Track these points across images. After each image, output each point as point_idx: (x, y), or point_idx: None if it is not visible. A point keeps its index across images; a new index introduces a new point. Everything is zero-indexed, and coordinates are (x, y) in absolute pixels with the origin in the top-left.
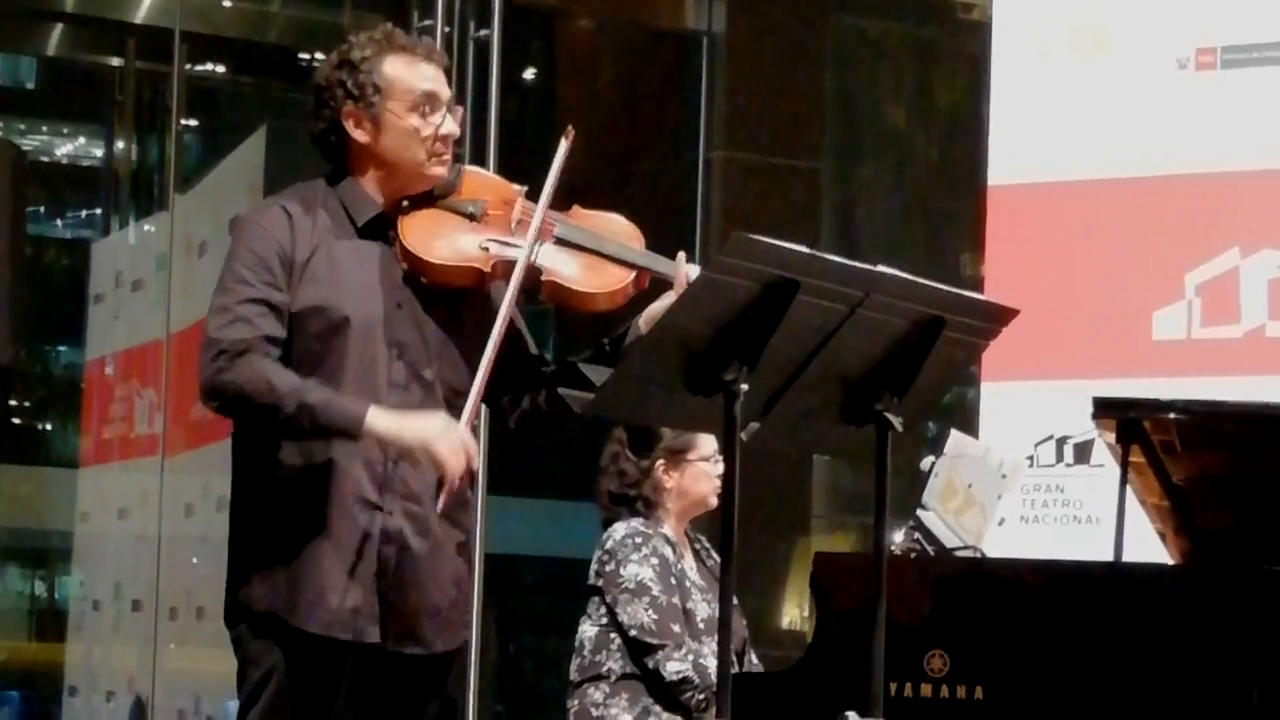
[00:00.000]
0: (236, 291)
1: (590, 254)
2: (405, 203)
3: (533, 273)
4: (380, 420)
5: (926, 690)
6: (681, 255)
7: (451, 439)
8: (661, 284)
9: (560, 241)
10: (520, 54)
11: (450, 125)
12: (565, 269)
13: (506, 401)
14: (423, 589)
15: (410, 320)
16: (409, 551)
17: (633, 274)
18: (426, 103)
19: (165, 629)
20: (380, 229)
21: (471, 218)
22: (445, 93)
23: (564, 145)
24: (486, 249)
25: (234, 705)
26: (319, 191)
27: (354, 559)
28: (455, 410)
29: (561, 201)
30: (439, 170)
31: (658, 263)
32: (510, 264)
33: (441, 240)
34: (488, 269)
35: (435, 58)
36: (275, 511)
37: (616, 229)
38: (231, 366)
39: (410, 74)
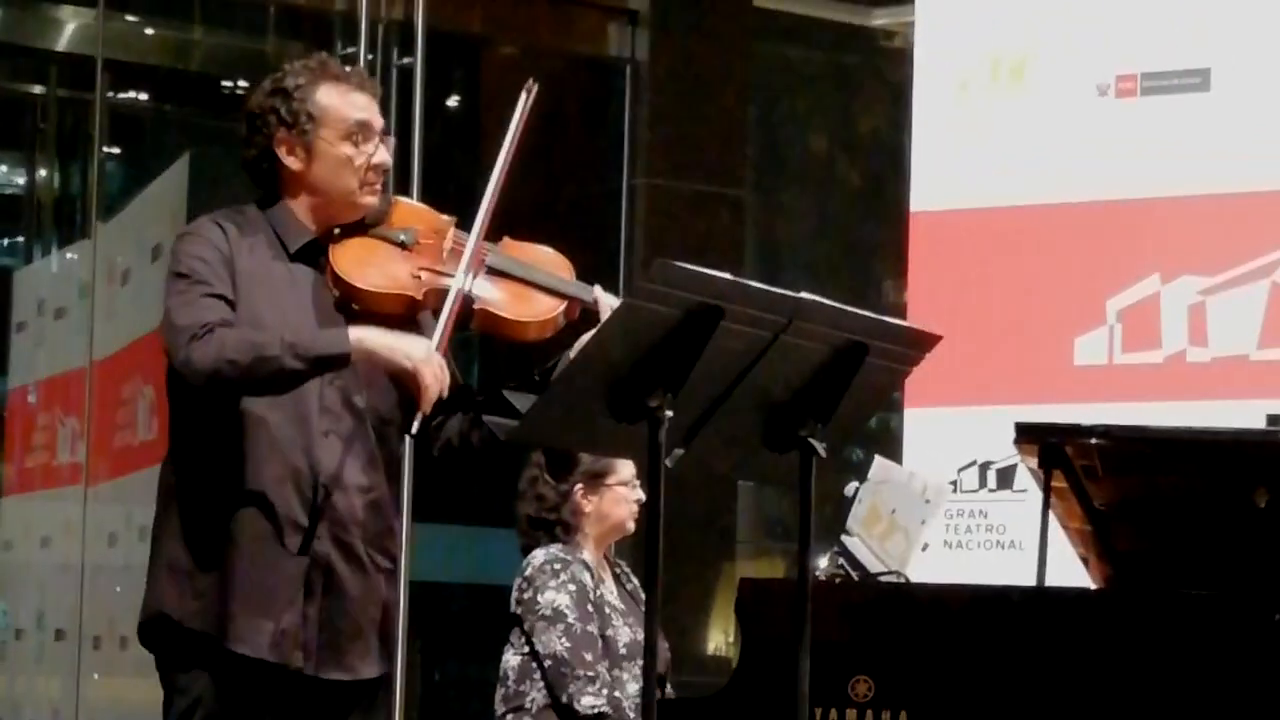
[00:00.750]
0: (191, 290)
1: (522, 283)
2: (337, 230)
3: (465, 301)
4: (369, 335)
5: (852, 716)
6: (597, 287)
7: (436, 363)
8: (594, 315)
9: (492, 271)
10: (443, 82)
11: (382, 155)
12: (497, 298)
13: (432, 429)
14: (350, 615)
15: None
16: (337, 577)
17: (563, 304)
18: (359, 132)
19: (89, 658)
20: (312, 255)
21: (403, 246)
22: (378, 122)
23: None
24: (419, 277)
25: None
26: (250, 215)
27: (282, 584)
28: (383, 436)
29: (492, 232)
30: (370, 200)
31: (588, 293)
32: (442, 292)
33: (373, 268)
34: (420, 296)
35: (368, 87)
36: (204, 533)
37: (547, 259)
38: (206, 341)
39: (343, 103)
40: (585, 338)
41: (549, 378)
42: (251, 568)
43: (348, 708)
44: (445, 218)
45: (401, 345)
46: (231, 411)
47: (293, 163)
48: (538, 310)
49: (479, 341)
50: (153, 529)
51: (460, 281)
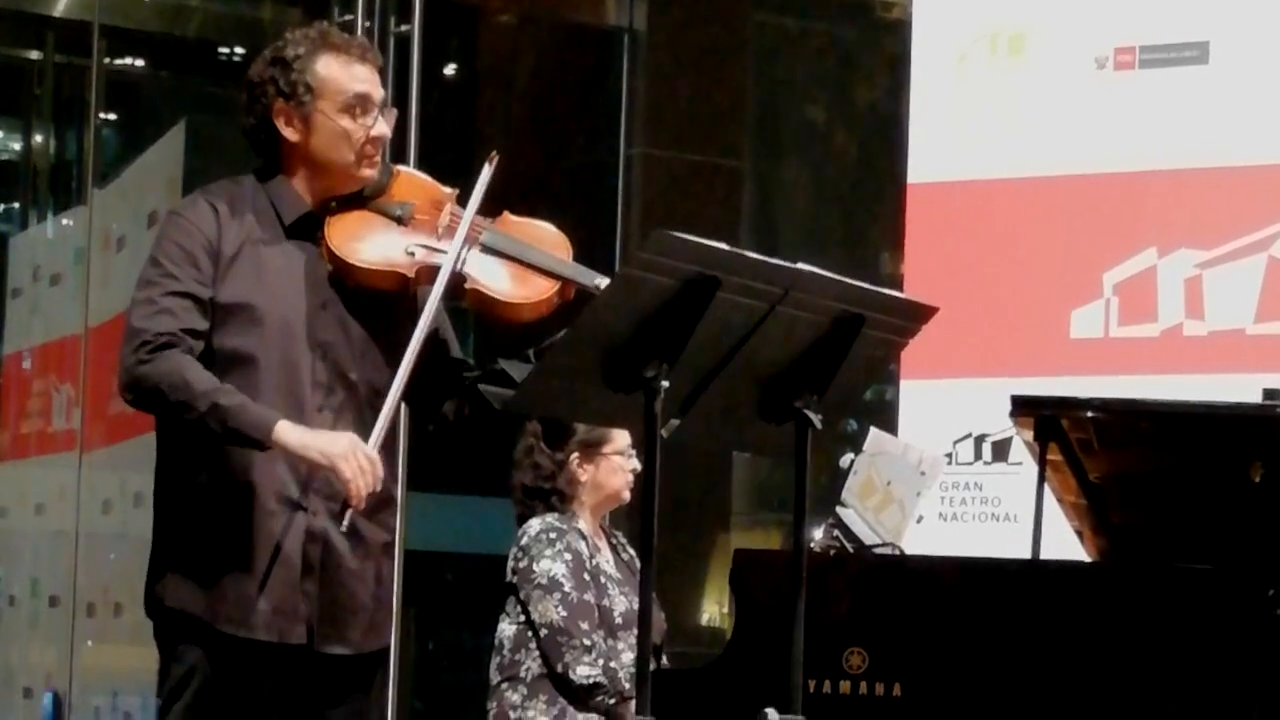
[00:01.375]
0: (160, 284)
1: (516, 263)
2: (334, 203)
3: (457, 280)
4: (289, 433)
5: (845, 687)
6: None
7: (356, 460)
8: (589, 297)
9: (486, 249)
10: (441, 50)
11: (381, 128)
12: (490, 278)
13: (426, 403)
14: (348, 588)
15: (335, 320)
16: (334, 551)
17: (557, 285)
18: (358, 104)
19: (82, 625)
20: (308, 228)
21: (399, 220)
22: (378, 94)
23: (488, 169)
24: (412, 254)
25: (152, 700)
26: (247, 188)
27: (277, 559)
28: (377, 410)
29: (492, 208)
30: (368, 172)
31: (584, 275)
32: (435, 270)
33: (366, 243)
34: (411, 274)
35: (370, 58)
36: (197, 511)
37: (544, 238)
38: (151, 360)
39: (343, 75)
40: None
41: (541, 357)
42: (245, 546)
43: (348, 681)
44: (447, 190)
45: (319, 443)
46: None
47: (290, 134)
48: (531, 292)
49: (474, 315)
50: (153, 507)
51: (451, 261)
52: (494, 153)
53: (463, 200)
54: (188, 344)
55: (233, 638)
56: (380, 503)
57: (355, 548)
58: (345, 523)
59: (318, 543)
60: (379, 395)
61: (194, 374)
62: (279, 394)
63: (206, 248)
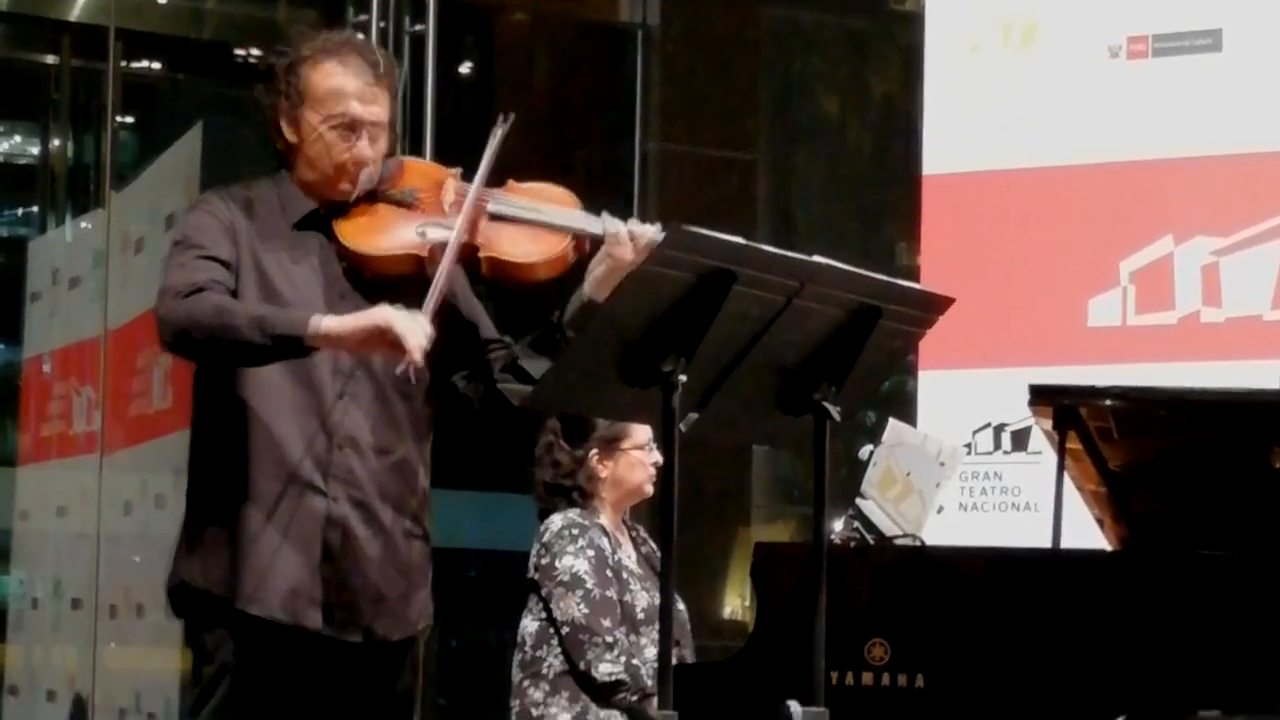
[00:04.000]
0: (188, 253)
1: (526, 225)
2: (338, 201)
3: (469, 251)
4: (329, 319)
5: (868, 679)
6: (605, 214)
7: (403, 315)
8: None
9: (495, 217)
10: (455, 49)
11: (362, 151)
12: (502, 243)
13: (457, 380)
14: (367, 576)
15: (353, 310)
16: (354, 538)
17: (570, 240)
18: (343, 124)
19: (105, 627)
20: (315, 225)
21: (406, 205)
22: (371, 115)
23: (500, 130)
24: (423, 234)
25: (175, 700)
26: (261, 188)
27: (298, 544)
28: (405, 394)
29: (497, 180)
30: (345, 187)
31: (592, 223)
32: (447, 246)
33: (378, 232)
34: (425, 254)
35: (378, 78)
36: (221, 493)
37: (551, 196)
38: (181, 302)
39: (334, 90)
40: (595, 271)
41: (564, 318)
42: (265, 531)
43: (372, 669)
44: (447, 170)
45: (358, 319)
46: (249, 378)
47: (288, 134)
48: (544, 249)
49: (488, 291)
50: (186, 500)
51: (458, 228)
52: (508, 114)
53: (467, 176)
54: (217, 291)
55: (254, 620)
56: (405, 493)
57: (375, 535)
58: (406, 369)
59: (337, 528)
60: (407, 381)
61: (229, 302)
62: (301, 382)
63: (227, 230)
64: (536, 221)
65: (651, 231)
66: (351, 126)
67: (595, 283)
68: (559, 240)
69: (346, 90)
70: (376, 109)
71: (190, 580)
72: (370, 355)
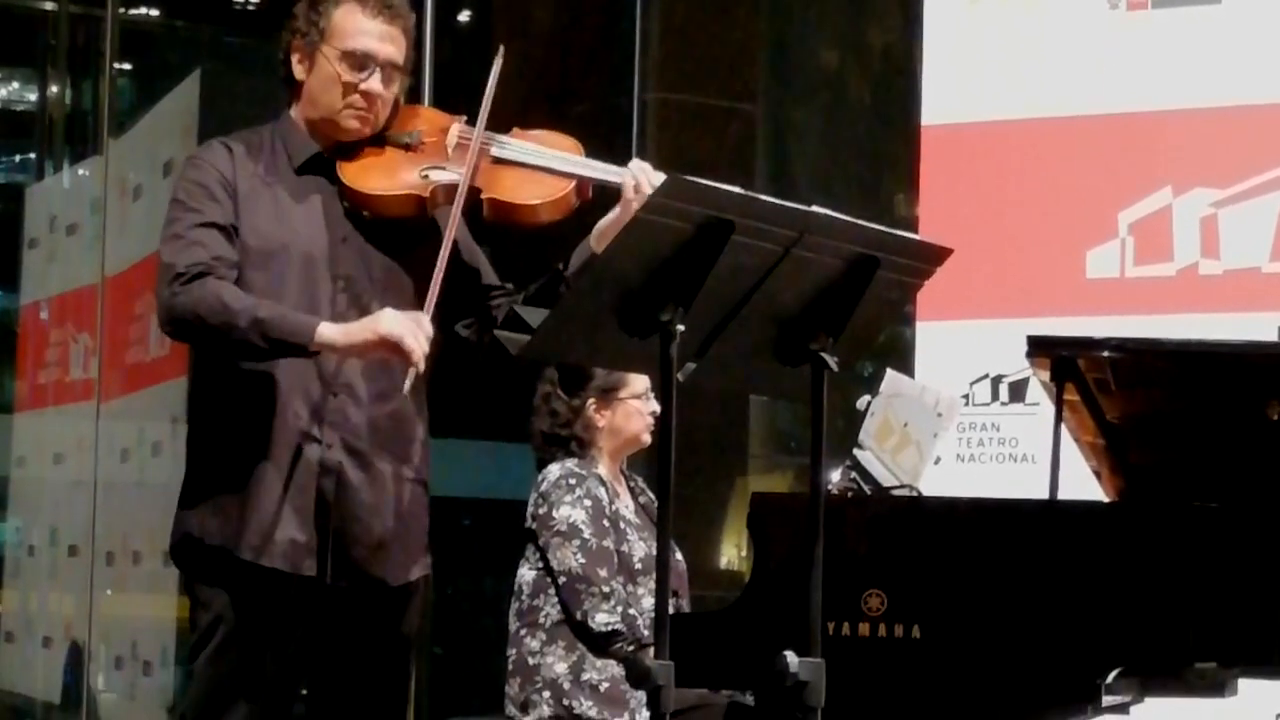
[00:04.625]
0: (185, 219)
1: (529, 168)
2: (342, 144)
3: (472, 193)
4: (329, 330)
5: (864, 629)
6: (635, 161)
7: (404, 324)
8: (610, 197)
9: (498, 160)
10: None
11: (374, 84)
12: (504, 185)
13: (459, 328)
14: (362, 522)
15: (355, 254)
16: (348, 484)
17: (573, 183)
18: (359, 58)
19: (102, 574)
20: (319, 169)
21: (408, 148)
22: (385, 53)
23: (496, 65)
24: (426, 176)
25: (171, 648)
26: (263, 133)
27: (292, 491)
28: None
29: (500, 126)
30: (352, 124)
31: (597, 170)
32: (450, 188)
33: (380, 173)
34: (427, 194)
35: (395, 19)
36: (219, 444)
37: (555, 141)
38: (187, 290)
39: (354, 25)
40: (602, 222)
41: (568, 266)
42: (264, 481)
43: (373, 614)
44: (452, 116)
45: (361, 328)
46: None
47: (299, 71)
48: (546, 191)
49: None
50: (185, 453)
51: (466, 173)
52: (501, 48)
53: (470, 121)
54: (220, 271)
55: (255, 569)
56: (402, 439)
57: (371, 482)
58: (408, 384)
59: (331, 475)
60: None
61: (230, 295)
62: None
63: (223, 183)
64: (541, 165)
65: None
66: (365, 62)
67: (600, 236)
68: (561, 184)
69: (365, 26)
70: (392, 48)
71: (194, 533)
72: (367, 302)
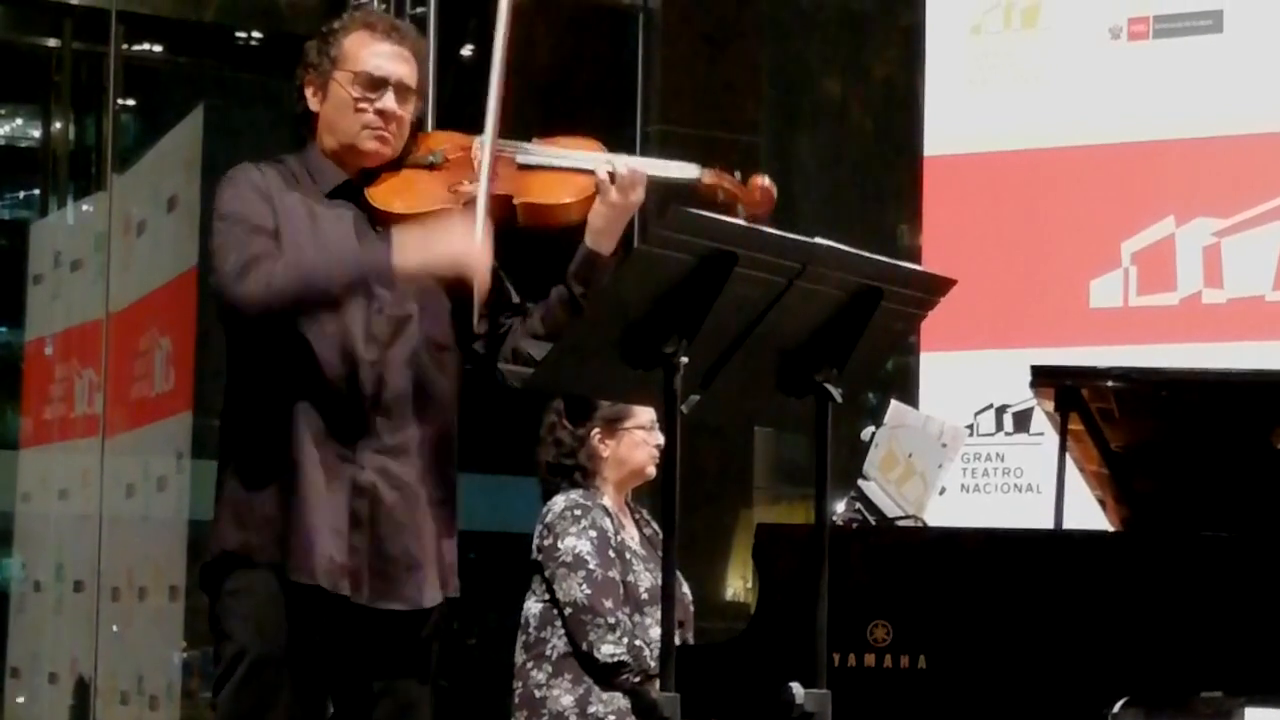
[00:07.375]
0: (233, 230)
1: (555, 171)
2: (367, 171)
3: (504, 201)
4: (408, 244)
5: (870, 660)
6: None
7: (479, 252)
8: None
9: (523, 167)
10: (458, 31)
11: (388, 103)
12: (535, 189)
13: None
14: (402, 545)
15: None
16: (384, 507)
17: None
18: (372, 81)
19: (107, 610)
20: (346, 196)
21: (433, 167)
22: (398, 75)
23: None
24: (456, 190)
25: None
26: (289, 162)
27: (330, 511)
28: (439, 364)
29: (520, 136)
30: (372, 145)
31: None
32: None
33: (409, 193)
34: (459, 208)
35: (405, 41)
36: (259, 470)
37: (576, 143)
38: (254, 276)
39: (365, 51)
40: (592, 222)
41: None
42: (300, 499)
43: (407, 636)
44: (470, 136)
45: (438, 251)
46: (281, 346)
47: (313, 103)
48: (576, 189)
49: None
50: (216, 475)
51: (484, 179)
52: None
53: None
54: (275, 257)
55: (289, 584)
56: (436, 461)
57: (405, 502)
58: (476, 315)
59: (365, 497)
60: (440, 349)
61: (295, 262)
62: (333, 349)
63: (261, 194)
64: (566, 166)
65: (633, 164)
66: (378, 82)
67: (595, 234)
68: (589, 181)
69: (375, 49)
70: (404, 69)
71: (235, 549)
72: (405, 321)
